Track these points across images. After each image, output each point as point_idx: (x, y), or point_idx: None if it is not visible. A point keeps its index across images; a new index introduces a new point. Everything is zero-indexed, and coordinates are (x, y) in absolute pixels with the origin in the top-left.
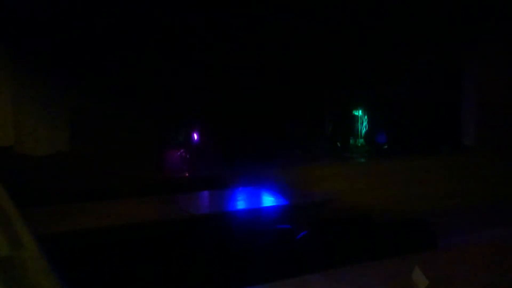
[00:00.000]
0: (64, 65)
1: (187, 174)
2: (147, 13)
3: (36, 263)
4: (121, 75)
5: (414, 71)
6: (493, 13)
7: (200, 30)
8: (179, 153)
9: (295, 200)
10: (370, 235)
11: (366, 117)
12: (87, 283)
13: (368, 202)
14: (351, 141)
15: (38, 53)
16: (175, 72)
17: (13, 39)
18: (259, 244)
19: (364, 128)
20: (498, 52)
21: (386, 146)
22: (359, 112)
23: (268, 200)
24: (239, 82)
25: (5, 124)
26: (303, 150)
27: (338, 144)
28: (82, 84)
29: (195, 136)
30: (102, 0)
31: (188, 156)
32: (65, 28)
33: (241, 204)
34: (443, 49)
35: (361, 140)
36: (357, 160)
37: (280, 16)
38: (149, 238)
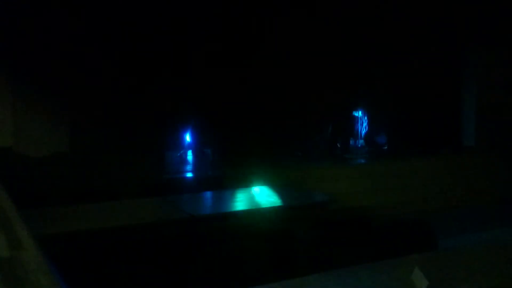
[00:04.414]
0: (63, 66)
1: (186, 175)
2: (144, 15)
3: (36, 264)
4: (120, 75)
5: (414, 71)
6: (493, 14)
7: (200, 32)
8: (179, 154)
9: (295, 202)
10: (370, 236)
11: (366, 118)
12: (87, 283)
13: (368, 203)
14: (351, 142)
15: (38, 54)
16: (174, 72)
17: (13, 40)
18: (259, 245)
19: (364, 129)
20: (498, 53)
21: (386, 147)
22: (359, 113)
23: (268, 201)
24: (238, 83)
25: (5, 124)
26: (303, 151)
27: (338, 145)
28: (82, 85)
29: (195, 137)
30: (101, 6)
31: (187, 157)
32: (65, 29)
33: (240, 205)
34: (443, 50)
35: (361, 141)
36: (357, 161)
37: (279, 16)
38: (148, 239)
